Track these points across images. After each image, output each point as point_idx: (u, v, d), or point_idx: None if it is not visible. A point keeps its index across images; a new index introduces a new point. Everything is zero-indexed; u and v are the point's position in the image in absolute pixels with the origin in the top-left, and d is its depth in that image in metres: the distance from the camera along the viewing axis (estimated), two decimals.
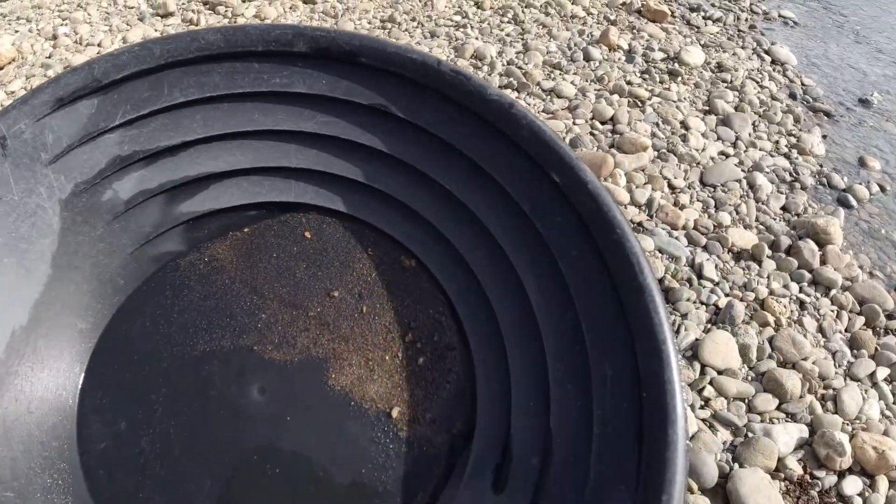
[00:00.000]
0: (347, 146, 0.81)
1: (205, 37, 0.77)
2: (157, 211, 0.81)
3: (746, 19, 2.35)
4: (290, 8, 2.12)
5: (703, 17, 2.34)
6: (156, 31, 2.03)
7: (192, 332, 0.77)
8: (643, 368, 0.63)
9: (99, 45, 1.96)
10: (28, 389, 0.72)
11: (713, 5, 2.44)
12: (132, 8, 2.17)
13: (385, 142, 0.79)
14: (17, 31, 2.05)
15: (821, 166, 1.63)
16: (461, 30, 2.10)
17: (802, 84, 1.99)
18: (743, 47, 2.15)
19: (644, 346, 0.63)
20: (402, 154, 0.79)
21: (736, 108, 1.80)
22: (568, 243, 0.71)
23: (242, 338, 0.77)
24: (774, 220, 1.44)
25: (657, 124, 1.71)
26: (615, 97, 1.79)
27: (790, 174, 1.60)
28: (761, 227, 1.42)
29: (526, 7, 2.28)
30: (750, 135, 1.71)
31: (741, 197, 1.50)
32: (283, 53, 0.78)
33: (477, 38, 2.03)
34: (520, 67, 1.88)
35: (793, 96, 1.91)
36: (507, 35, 2.08)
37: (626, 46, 2.05)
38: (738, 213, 1.45)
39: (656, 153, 1.60)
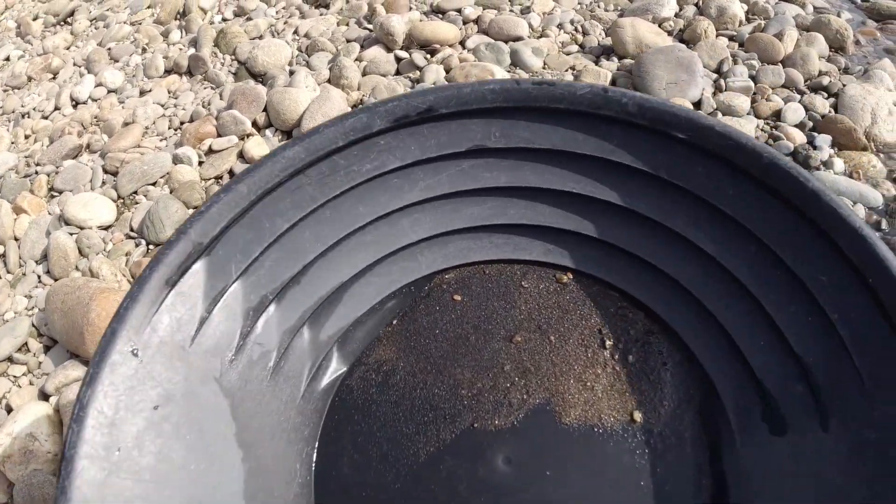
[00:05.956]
0: (442, 201, 0.79)
1: (284, 155, 0.73)
2: (307, 344, 0.76)
3: None
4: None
5: None
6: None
7: (405, 441, 0.73)
8: (859, 264, 0.63)
9: None
10: None
11: None
12: None
13: (477, 182, 0.78)
14: None
15: None
16: None
17: None
18: None
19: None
20: (506, 185, 0.79)
21: None
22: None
23: (457, 422, 0.73)
24: None
25: None
26: None
27: None
28: None
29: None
30: None
31: None
32: (365, 137, 0.75)
33: None
34: None
35: None
36: None
37: None
38: None
39: None
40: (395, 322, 0.79)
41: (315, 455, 0.74)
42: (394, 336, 0.79)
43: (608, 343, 0.75)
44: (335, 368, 0.77)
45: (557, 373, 0.74)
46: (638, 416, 0.72)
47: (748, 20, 1.19)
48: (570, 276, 0.79)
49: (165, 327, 0.69)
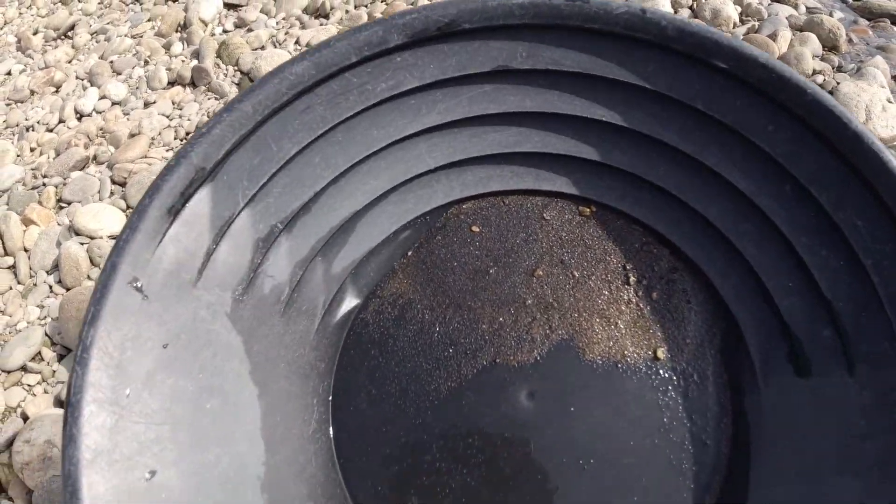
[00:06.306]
0: (462, 126, 0.74)
1: (293, 71, 0.66)
2: (320, 276, 0.72)
3: None
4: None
5: None
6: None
7: (425, 377, 0.71)
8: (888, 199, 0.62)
9: None
10: None
11: None
12: None
13: (500, 106, 0.73)
14: None
15: None
16: None
17: None
18: None
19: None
20: (531, 110, 0.74)
21: None
22: None
23: (478, 357, 0.71)
24: None
25: None
26: None
27: None
28: None
29: None
30: None
31: None
32: (380, 53, 0.68)
33: None
34: None
35: None
36: None
37: None
38: None
39: None
40: (410, 254, 0.76)
41: (332, 390, 0.71)
42: (409, 268, 0.75)
43: (632, 279, 0.74)
44: (349, 302, 0.74)
45: (580, 308, 0.73)
46: (661, 353, 0.71)
47: (742, 22, 1.20)
48: (593, 209, 0.76)
49: (171, 259, 0.63)
